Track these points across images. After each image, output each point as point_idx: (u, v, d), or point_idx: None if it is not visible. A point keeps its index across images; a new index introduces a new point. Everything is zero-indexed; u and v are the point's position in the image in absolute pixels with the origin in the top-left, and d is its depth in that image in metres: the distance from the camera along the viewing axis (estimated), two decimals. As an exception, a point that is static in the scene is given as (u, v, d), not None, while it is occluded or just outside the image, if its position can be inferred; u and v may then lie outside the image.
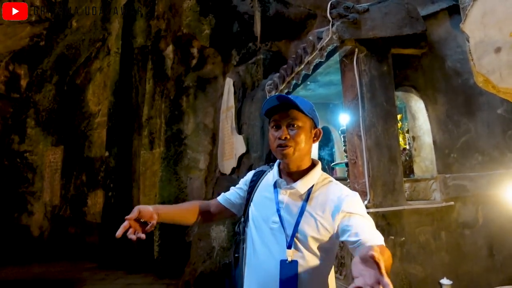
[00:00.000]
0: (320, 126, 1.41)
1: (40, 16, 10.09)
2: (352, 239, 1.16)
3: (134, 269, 7.12)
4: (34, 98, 10.02)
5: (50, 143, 9.74)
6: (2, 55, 10.09)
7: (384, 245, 1.14)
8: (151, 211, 1.32)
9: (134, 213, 1.27)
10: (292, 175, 1.36)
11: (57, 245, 8.99)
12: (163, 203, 6.37)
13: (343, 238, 1.21)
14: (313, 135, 1.36)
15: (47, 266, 7.82)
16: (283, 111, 1.32)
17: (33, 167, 9.70)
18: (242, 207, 1.54)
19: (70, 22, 10.09)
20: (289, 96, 1.30)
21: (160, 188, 6.46)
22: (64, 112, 9.72)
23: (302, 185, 1.32)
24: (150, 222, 1.28)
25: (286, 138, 1.30)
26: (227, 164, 5.90)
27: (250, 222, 1.42)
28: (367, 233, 1.16)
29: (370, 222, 1.22)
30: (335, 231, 1.25)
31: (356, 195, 1.31)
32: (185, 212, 1.52)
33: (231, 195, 1.57)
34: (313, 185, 1.33)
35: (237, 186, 1.59)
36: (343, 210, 1.23)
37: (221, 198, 1.59)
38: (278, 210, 1.33)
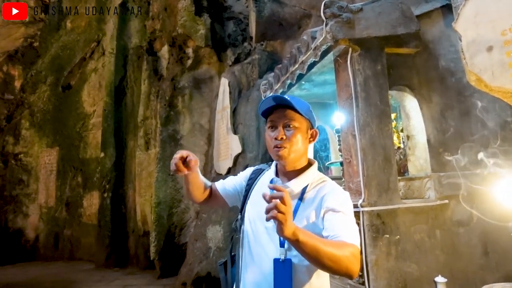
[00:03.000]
0: (315, 126, 1.42)
1: (34, 17, 10.03)
2: (325, 233, 1.20)
3: (131, 270, 7.11)
4: (29, 99, 9.96)
5: (45, 145, 9.68)
6: (-4, 56, 10.03)
7: (354, 244, 1.14)
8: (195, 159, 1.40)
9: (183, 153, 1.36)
10: (288, 174, 1.37)
11: (53, 247, 8.95)
12: (159, 204, 6.36)
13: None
14: (309, 136, 1.37)
15: (43, 268, 7.78)
16: (279, 111, 1.33)
17: (28, 169, 9.64)
18: (235, 200, 1.56)
19: (64, 22, 10.04)
20: (286, 97, 1.30)
21: (156, 189, 6.44)
22: (59, 113, 9.67)
23: (296, 185, 1.33)
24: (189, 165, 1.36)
25: (282, 138, 1.30)
26: (223, 164, 5.89)
27: (246, 221, 1.43)
28: (339, 230, 1.17)
29: (348, 219, 1.23)
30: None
31: (341, 193, 1.30)
32: (202, 185, 1.55)
33: (229, 185, 1.58)
34: (307, 185, 1.34)
35: (237, 177, 1.60)
36: (325, 206, 1.25)
37: (219, 185, 1.60)
38: None
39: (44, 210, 9.34)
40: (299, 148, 1.32)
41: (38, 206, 9.42)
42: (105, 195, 7.95)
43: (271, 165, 1.49)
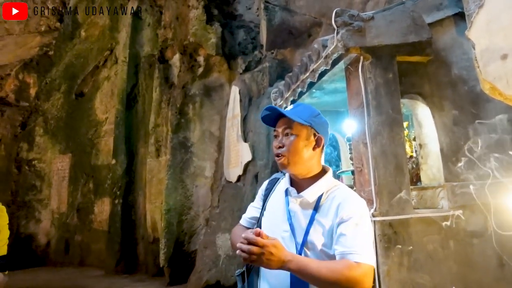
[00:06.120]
0: (324, 131, 1.40)
1: (49, 26, 10.27)
2: (335, 247, 1.21)
3: (140, 277, 7.12)
4: (43, 106, 10.15)
5: (58, 151, 9.83)
6: (12, 65, 10.27)
7: (362, 262, 1.15)
8: None
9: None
10: (302, 182, 1.36)
11: (64, 253, 9.02)
12: (169, 211, 6.38)
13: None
14: (313, 143, 1.35)
15: (53, 274, 7.85)
16: (281, 120, 1.35)
17: (41, 175, 9.79)
18: None
19: (79, 32, 10.24)
20: (277, 107, 1.34)
21: (166, 196, 6.47)
22: (72, 120, 9.83)
23: (310, 194, 1.32)
24: None
25: (280, 147, 1.32)
26: (233, 172, 5.89)
27: (262, 230, 1.42)
28: (350, 246, 1.18)
29: (361, 232, 1.21)
30: None
31: (357, 202, 1.28)
32: None
33: (251, 214, 1.56)
34: (322, 193, 1.32)
35: (254, 201, 1.59)
36: (339, 216, 1.24)
37: (243, 221, 1.58)
38: (289, 219, 1.33)
39: (56, 216, 9.44)
40: (299, 156, 1.31)
41: (50, 211, 9.53)
42: (116, 201, 8.00)
43: (285, 174, 1.48)
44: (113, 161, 8.30)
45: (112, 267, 7.52)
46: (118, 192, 8.04)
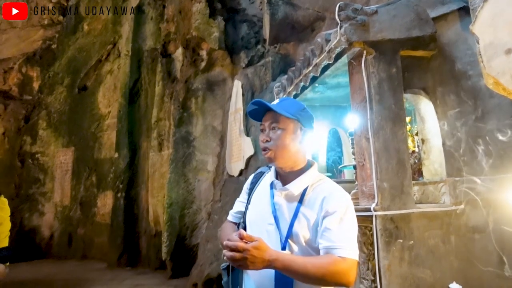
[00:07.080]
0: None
1: (52, 20, 10.27)
2: (320, 240, 1.22)
3: (142, 270, 7.17)
4: (46, 100, 10.18)
5: (61, 145, 9.87)
6: (15, 58, 10.29)
7: (346, 257, 1.17)
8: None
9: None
10: (287, 176, 1.37)
11: (67, 246, 9.09)
12: (171, 204, 6.41)
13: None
14: (300, 136, 1.35)
15: (56, 266, 7.92)
16: (267, 114, 1.35)
17: (45, 168, 9.84)
18: None
19: (81, 25, 10.25)
20: (263, 101, 1.34)
21: (168, 190, 6.50)
22: (74, 114, 9.86)
23: (296, 187, 1.32)
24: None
25: (267, 141, 1.33)
26: (235, 166, 5.91)
27: (247, 223, 1.43)
28: (335, 240, 1.19)
29: (345, 226, 1.22)
30: None
31: (341, 196, 1.28)
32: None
33: (238, 208, 1.56)
34: (307, 186, 1.33)
35: (240, 195, 1.59)
36: (324, 210, 1.24)
37: (230, 217, 1.58)
38: (273, 212, 1.33)
39: (59, 209, 9.51)
40: (287, 149, 1.31)
41: (53, 205, 9.60)
42: (119, 195, 8.05)
43: (271, 167, 1.49)
44: (116, 155, 8.34)
45: (115, 260, 7.58)
46: (120, 186, 8.08)
